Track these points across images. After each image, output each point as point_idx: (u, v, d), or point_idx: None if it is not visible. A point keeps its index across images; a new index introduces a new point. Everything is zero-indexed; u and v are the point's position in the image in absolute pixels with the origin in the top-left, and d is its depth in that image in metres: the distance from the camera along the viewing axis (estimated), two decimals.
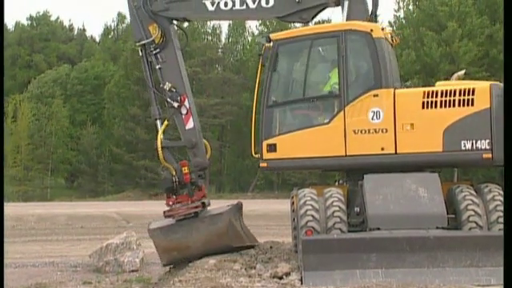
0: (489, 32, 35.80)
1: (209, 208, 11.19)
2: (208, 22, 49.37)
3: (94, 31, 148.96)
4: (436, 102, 9.46)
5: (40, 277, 11.56)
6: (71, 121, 57.60)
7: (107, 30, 70.93)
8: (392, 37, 10.70)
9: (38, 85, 59.05)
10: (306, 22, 10.84)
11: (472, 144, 9.31)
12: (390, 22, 40.52)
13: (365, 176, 9.45)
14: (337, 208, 9.26)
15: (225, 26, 57.26)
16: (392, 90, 9.68)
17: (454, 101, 9.39)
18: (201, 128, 11.42)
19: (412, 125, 9.52)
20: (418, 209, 9.05)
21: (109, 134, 53.86)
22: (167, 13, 11.07)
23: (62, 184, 60.13)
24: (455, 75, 10.72)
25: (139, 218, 23.92)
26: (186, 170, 10.80)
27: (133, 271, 11.92)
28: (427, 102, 9.50)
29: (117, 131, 51.17)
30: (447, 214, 9.10)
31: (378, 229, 8.94)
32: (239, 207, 11.34)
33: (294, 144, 9.92)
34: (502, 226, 8.82)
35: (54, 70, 62.06)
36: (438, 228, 8.87)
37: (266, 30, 49.33)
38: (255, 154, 10.35)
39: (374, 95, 9.66)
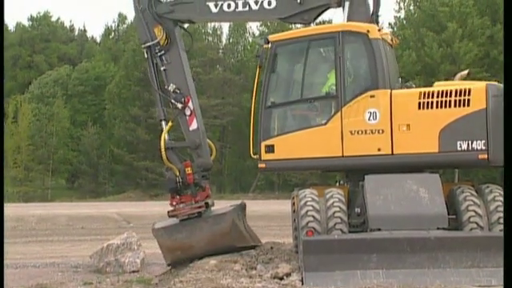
0: (489, 33, 35.83)
1: (212, 208, 11.23)
2: (209, 23, 49.41)
3: (95, 32, 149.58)
4: (432, 102, 9.43)
5: (41, 277, 11.55)
6: (72, 121, 57.66)
7: (108, 31, 71.04)
8: (391, 38, 10.70)
9: (39, 85, 59.13)
10: (307, 23, 10.84)
11: (468, 144, 9.28)
12: (390, 24, 40.64)
13: (365, 177, 9.44)
14: (337, 209, 9.25)
15: (225, 26, 57.50)
16: (388, 90, 9.67)
17: (449, 101, 9.35)
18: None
19: (408, 125, 9.50)
20: (419, 209, 9.03)
21: (109, 134, 53.95)
22: (172, 15, 11.13)
23: (63, 185, 60.15)
24: (458, 75, 10.70)
25: (140, 218, 23.97)
26: (189, 170, 10.84)
27: (133, 272, 11.92)
28: (423, 103, 9.47)
29: (117, 132, 51.26)
30: (448, 214, 9.09)
31: (379, 229, 8.93)
32: (243, 207, 11.37)
33: (292, 145, 9.93)
34: (502, 227, 8.81)
35: (54, 70, 62.12)
36: (438, 229, 8.86)
37: (266, 30, 49.35)
38: (254, 154, 10.37)
39: (371, 96, 9.66)
